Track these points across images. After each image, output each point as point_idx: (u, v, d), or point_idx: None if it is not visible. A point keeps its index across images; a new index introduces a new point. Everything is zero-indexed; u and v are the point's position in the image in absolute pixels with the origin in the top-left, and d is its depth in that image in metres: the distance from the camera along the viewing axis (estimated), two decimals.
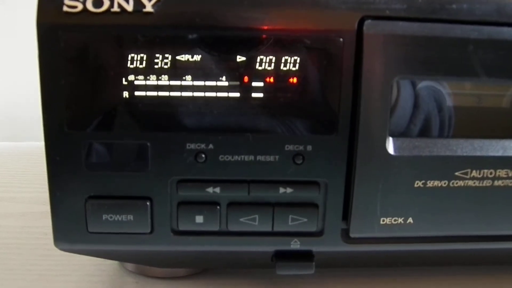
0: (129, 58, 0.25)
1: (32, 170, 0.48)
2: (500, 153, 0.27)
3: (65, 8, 0.24)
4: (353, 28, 0.25)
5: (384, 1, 0.25)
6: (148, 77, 0.25)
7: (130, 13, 0.24)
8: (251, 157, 0.26)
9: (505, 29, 0.26)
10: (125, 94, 0.25)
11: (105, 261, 0.32)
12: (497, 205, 0.28)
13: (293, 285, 0.31)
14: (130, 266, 0.32)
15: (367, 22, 0.25)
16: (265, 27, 0.25)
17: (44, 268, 0.32)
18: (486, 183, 0.27)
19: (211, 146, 0.26)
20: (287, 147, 0.26)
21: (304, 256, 0.28)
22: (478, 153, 0.27)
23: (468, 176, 0.27)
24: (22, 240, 0.35)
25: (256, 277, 0.32)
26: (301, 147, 0.26)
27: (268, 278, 0.32)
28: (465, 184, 0.27)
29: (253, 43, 0.25)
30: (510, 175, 0.27)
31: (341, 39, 0.25)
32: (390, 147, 0.26)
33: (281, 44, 0.25)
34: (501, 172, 0.27)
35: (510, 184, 0.27)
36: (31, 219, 0.39)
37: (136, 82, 0.25)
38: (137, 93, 0.25)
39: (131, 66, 0.25)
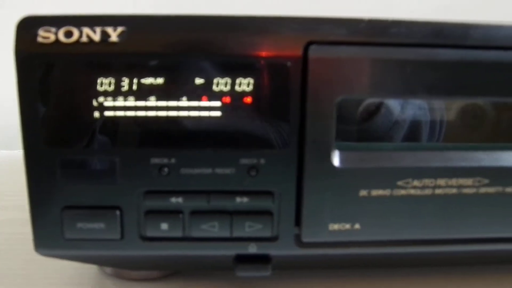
0: (99, 82, 0.28)
1: (22, 178, 0.51)
2: (439, 164, 0.30)
3: (39, 39, 0.27)
4: (299, 52, 0.28)
5: (328, 27, 0.28)
6: (116, 99, 0.28)
7: (97, 43, 0.27)
8: (210, 170, 0.29)
9: (442, 51, 0.29)
10: (96, 114, 0.28)
11: (85, 265, 0.35)
12: (437, 212, 0.30)
13: (263, 285, 0.34)
14: (108, 269, 0.35)
15: (312, 47, 0.28)
16: (221, 52, 0.28)
17: (29, 272, 0.35)
18: (427, 191, 0.30)
19: (173, 160, 0.29)
20: (242, 161, 0.29)
21: (262, 259, 0.31)
22: (419, 164, 0.29)
23: (409, 185, 0.29)
24: (10, 245, 0.38)
25: (227, 278, 0.35)
26: (255, 161, 0.29)
27: (239, 279, 0.34)
28: (407, 193, 0.29)
29: (210, 67, 0.28)
30: (449, 184, 0.30)
31: (289, 63, 0.28)
32: (336, 160, 0.29)
33: (235, 67, 0.28)
34: (441, 181, 0.30)
35: (449, 192, 0.30)
36: (19, 226, 0.41)
37: (105, 104, 0.28)
38: (106, 113, 0.28)
39: (101, 89, 0.28)
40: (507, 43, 0.29)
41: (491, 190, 0.30)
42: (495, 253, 0.32)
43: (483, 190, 0.30)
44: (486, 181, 0.30)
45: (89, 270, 0.35)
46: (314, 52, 0.27)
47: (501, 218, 0.31)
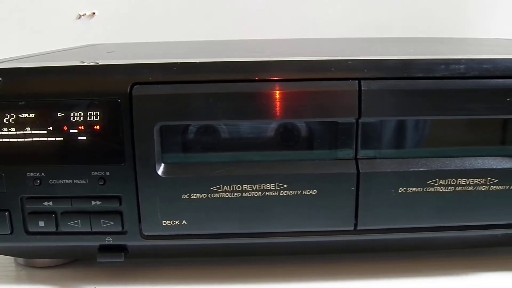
0: None
1: None
2: (245, 172, 0.38)
3: None
4: (127, 91, 0.37)
5: (148, 71, 0.37)
6: (2, 130, 0.38)
7: None
8: (70, 181, 0.38)
9: (239, 84, 0.37)
10: None
11: (3, 257, 0.45)
12: (246, 211, 0.38)
13: (151, 269, 0.43)
14: (20, 260, 0.45)
15: (136, 87, 0.37)
16: (71, 93, 0.37)
17: None
18: (236, 194, 0.38)
19: (43, 174, 0.38)
20: (93, 173, 0.38)
21: (120, 249, 0.40)
22: (228, 173, 0.38)
23: (221, 190, 0.38)
24: None
25: (121, 265, 0.44)
26: (102, 173, 0.38)
27: (133, 266, 0.43)
28: (220, 196, 0.38)
29: (68, 104, 0.37)
30: (254, 188, 0.38)
31: (119, 100, 0.37)
32: (160, 171, 0.38)
33: (84, 104, 0.37)
34: (247, 186, 0.38)
35: (255, 195, 0.38)
36: None
37: None
38: None
39: None
40: (293, 75, 0.37)
41: (290, 193, 0.38)
42: (298, 245, 0.40)
43: (283, 193, 0.38)
44: (285, 185, 0.38)
45: (5, 260, 0.45)
46: (137, 91, 0.37)
47: (299, 215, 0.38)
